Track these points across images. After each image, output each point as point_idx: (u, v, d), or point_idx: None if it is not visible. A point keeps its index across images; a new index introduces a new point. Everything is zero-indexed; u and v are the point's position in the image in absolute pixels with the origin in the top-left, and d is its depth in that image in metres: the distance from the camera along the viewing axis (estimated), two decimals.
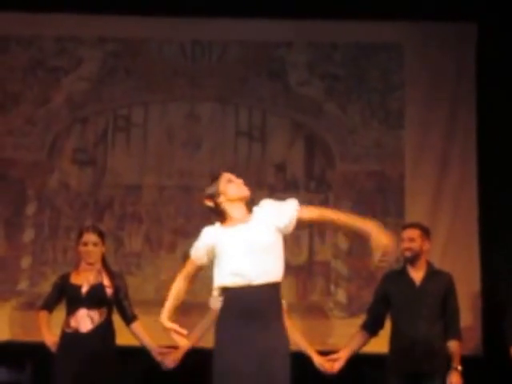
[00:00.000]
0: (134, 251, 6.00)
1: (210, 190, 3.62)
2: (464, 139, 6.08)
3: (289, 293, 5.55)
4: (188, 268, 3.61)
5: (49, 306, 4.74)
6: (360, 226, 3.45)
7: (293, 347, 3.62)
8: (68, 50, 6.25)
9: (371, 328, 4.64)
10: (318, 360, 4.51)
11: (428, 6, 5.98)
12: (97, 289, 4.61)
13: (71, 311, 4.60)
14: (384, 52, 6.24)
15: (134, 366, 5.42)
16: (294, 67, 6.23)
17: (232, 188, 3.59)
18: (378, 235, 3.35)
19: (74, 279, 4.67)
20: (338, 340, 5.54)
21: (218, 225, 3.58)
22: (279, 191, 5.93)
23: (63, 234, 6.00)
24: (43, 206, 6.06)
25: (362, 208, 5.83)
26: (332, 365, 4.52)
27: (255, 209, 3.58)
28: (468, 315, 5.39)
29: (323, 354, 4.58)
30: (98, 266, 4.70)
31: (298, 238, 5.88)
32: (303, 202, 3.58)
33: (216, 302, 3.52)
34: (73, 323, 4.57)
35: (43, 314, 4.73)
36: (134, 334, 4.74)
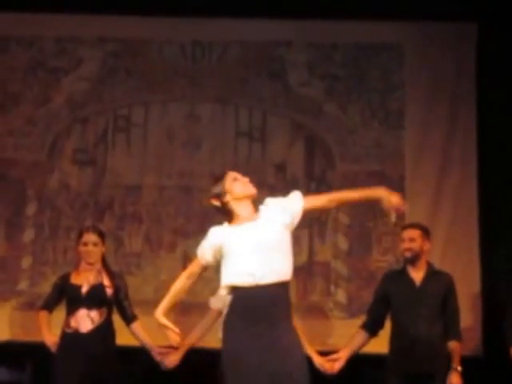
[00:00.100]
0: (134, 251, 6.00)
1: (215, 190, 3.60)
2: (464, 139, 6.08)
3: None
4: (193, 267, 3.59)
5: (49, 306, 4.74)
6: (368, 193, 3.64)
7: None
8: (68, 50, 6.24)
9: (371, 328, 4.63)
10: (318, 360, 4.50)
11: (428, 6, 5.97)
12: (97, 289, 4.61)
13: (71, 311, 4.60)
14: (384, 52, 6.23)
15: (133, 366, 5.40)
16: (294, 67, 6.23)
17: (238, 186, 3.58)
18: (388, 196, 3.50)
19: (74, 279, 4.68)
20: (337, 340, 5.53)
21: (225, 224, 3.57)
22: (279, 191, 5.91)
23: (63, 234, 6.00)
24: (43, 206, 6.05)
25: (362, 208, 5.83)
26: (332, 365, 4.51)
27: (261, 207, 3.57)
28: (468, 315, 5.39)
29: (323, 354, 4.58)
30: (98, 266, 4.70)
31: (298, 238, 5.83)
32: None
33: (216, 301, 3.51)
34: (73, 323, 4.57)
35: (43, 314, 4.73)
36: (133, 334, 4.74)
